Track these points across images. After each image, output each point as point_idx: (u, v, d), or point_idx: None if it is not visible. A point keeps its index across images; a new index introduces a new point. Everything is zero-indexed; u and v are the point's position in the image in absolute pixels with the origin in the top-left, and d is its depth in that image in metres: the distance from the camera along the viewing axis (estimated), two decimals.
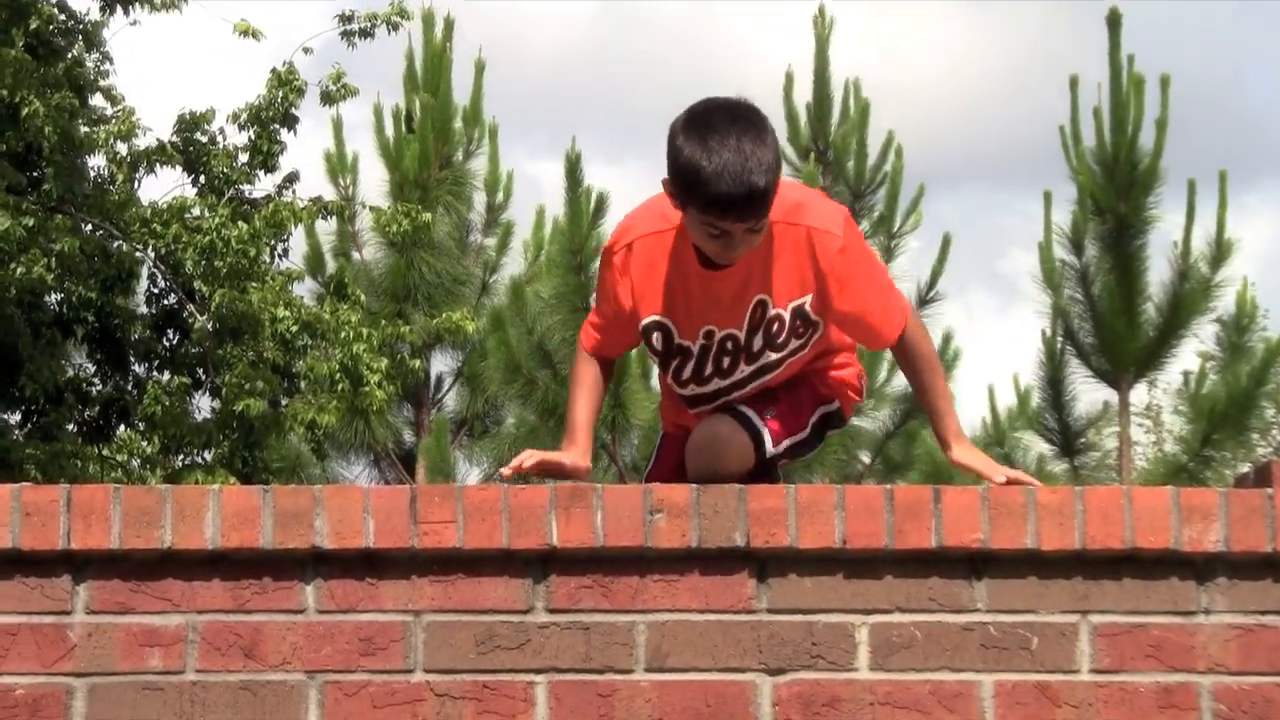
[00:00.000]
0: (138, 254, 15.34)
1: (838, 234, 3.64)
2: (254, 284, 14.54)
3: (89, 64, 16.04)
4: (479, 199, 15.94)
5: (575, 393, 3.84)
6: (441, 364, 16.09)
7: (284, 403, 15.23)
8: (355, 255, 15.78)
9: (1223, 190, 11.66)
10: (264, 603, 3.23)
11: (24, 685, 3.20)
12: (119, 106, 16.30)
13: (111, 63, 16.49)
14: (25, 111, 13.87)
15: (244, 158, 15.88)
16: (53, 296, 15.46)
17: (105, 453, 15.41)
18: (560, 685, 3.22)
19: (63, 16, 15.45)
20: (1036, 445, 12.22)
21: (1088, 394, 12.09)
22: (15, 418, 15.96)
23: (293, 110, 15.65)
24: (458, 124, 15.55)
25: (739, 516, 3.24)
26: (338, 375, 14.34)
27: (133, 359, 16.68)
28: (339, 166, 15.78)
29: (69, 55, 15.45)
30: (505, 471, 3.63)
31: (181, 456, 15.48)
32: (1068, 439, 12.10)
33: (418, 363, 15.22)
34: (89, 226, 15.03)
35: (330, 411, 14.25)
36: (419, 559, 3.24)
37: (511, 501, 3.23)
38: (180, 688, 3.20)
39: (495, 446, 13.67)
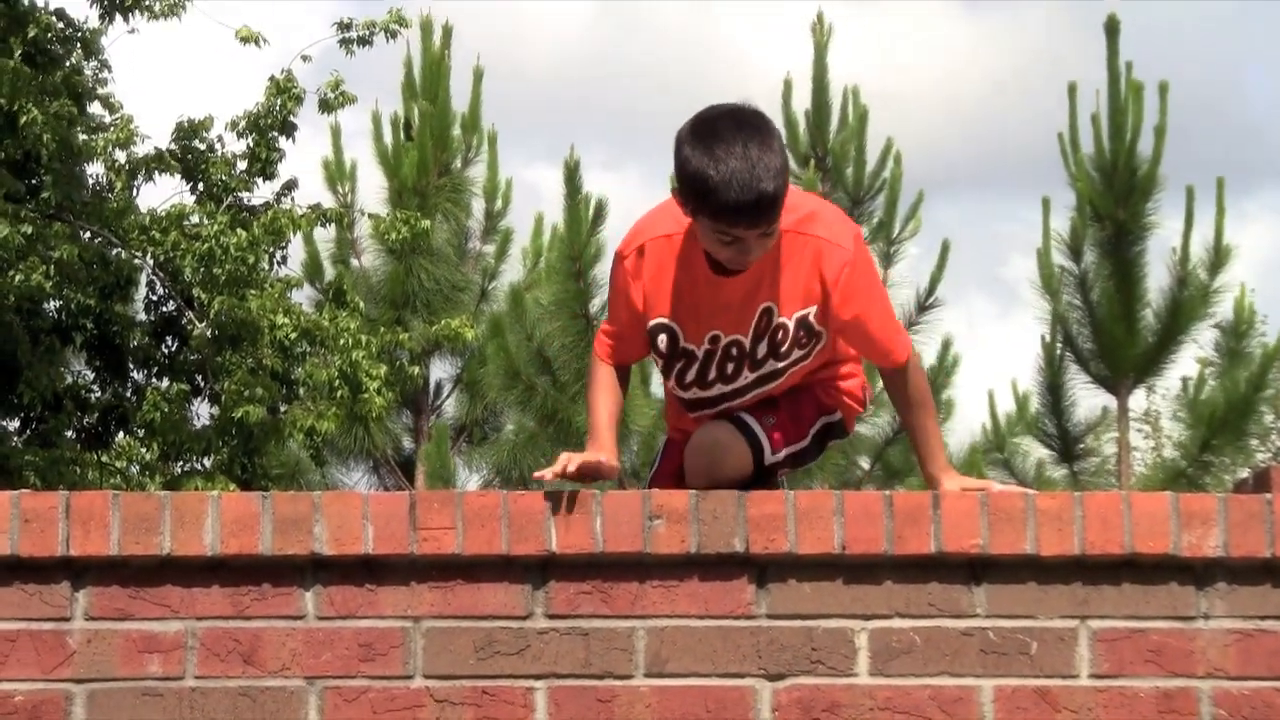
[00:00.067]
0: (136, 261, 15.36)
1: (847, 248, 3.64)
2: (253, 291, 14.54)
3: (87, 72, 16.08)
4: (478, 206, 15.93)
5: (595, 396, 3.79)
6: (440, 370, 16.09)
7: (283, 409, 15.22)
8: (354, 262, 15.77)
9: (1221, 196, 11.68)
10: (263, 609, 3.23)
11: (23, 692, 3.20)
12: (117, 114, 16.35)
13: (110, 70, 16.57)
14: (24, 119, 13.89)
15: (242, 165, 15.90)
16: (51, 303, 15.47)
17: (104, 459, 15.44)
18: (560, 691, 3.22)
19: (61, 24, 15.47)
20: (1036, 451, 12.23)
21: (1087, 399, 12.11)
22: (14, 424, 15.95)
23: (291, 118, 15.69)
24: (456, 131, 15.53)
25: (738, 522, 3.24)
26: (337, 382, 14.33)
27: (131, 366, 16.68)
28: (337, 174, 15.77)
29: (67, 63, 15.48)
30: (547, 476, 3.54)
31: (180, 463, 15.49)
32: (1067, 444, 12.10)
33: (417, 369, 15.21)
34: (88, 234, 15.05)
35: (329, 418, 14.24)
36: (418, 565, 3.24)
37: (511, 507, 3.23)
38: (180, 694, 3.20)
39: (494, 453, 13.65)
